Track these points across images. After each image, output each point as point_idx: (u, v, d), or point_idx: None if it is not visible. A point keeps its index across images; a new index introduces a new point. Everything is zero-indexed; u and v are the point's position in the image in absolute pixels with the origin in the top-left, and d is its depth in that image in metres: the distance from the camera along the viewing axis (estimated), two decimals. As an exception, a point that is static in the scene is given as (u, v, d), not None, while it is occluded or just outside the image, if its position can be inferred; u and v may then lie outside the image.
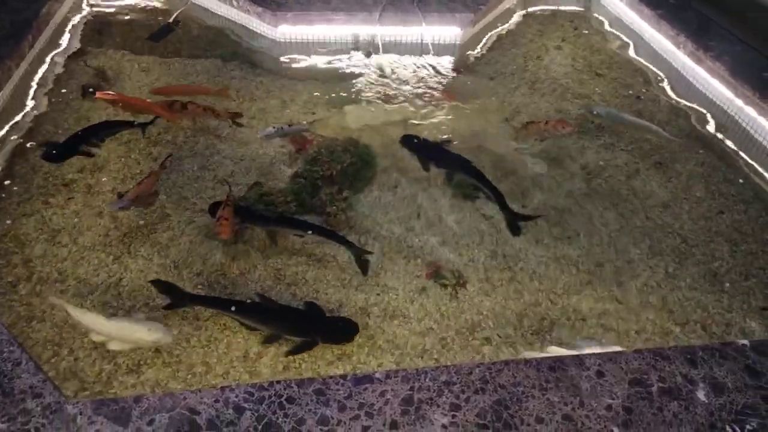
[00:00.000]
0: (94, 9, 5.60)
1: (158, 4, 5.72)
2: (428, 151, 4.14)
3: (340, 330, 3.08)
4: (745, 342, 2.28)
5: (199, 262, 3.45)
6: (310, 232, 3.49)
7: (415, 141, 4.20)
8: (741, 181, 4.18)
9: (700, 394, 2.08)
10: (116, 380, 2.85)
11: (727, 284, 3.47)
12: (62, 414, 1.93)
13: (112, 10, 5.64)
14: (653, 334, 3.19)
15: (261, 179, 3.98)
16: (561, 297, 3.37)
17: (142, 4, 5.73)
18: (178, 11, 5.48)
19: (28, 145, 4.09)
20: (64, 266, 3.36)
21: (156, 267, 3.39)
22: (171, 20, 5.38)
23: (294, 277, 3.42)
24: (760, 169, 4.25)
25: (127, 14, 5.62)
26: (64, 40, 5.17)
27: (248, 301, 3.18)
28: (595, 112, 4.58)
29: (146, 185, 3.61)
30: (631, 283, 3.46)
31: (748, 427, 1.98)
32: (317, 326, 3.08)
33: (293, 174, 4.03)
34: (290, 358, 3.00)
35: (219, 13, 5.54)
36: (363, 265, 3.43)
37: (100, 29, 5.38)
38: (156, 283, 3.18)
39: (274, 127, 4.15)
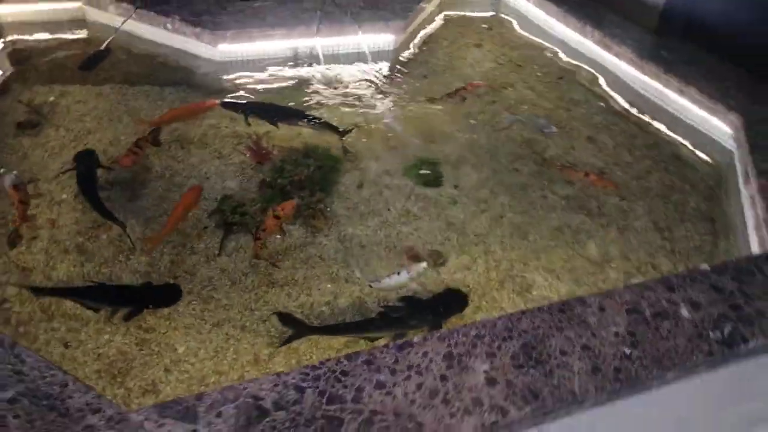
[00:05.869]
0: (11, 42, 5.34)
1: (82, 35, 5.55)
2: (251, 108, 4.75)
3: (455, 301, 3.40)
4: (706, 267, 2.70)
5: (187, 278, 3.47)
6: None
7: (236, 104, 4.82)
8: (657, 143, 4.81)
9: (684, 312, 2.46)
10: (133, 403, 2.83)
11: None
12: (129, 423, 1.96)
13: (32, 43, 5.40)
14: (617, 281, 3.62)
15: (229, 192, 4.03)
16: (533, 260, 3.73)
17: (65, 36, 5.53)
18: (109, 39, 5.34)
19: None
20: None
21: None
22: (102, 47, 5.24)
23: (285, 280, 3.53)
24: (671, 133, 4.90)
25: (49, 46, 5.40)
26: (-14, 78, 4.91)
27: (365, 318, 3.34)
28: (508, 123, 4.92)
29: None
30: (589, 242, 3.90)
31: (726, 329, 2.38)
32: (431, 310, 3.33)
33: (260, 183, 4.12)
34: (301, 353, 3.11)
35: (153, 38, 5.43)
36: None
37: (22, 63, 5.15)
38: (281, 316, 3.25)
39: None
